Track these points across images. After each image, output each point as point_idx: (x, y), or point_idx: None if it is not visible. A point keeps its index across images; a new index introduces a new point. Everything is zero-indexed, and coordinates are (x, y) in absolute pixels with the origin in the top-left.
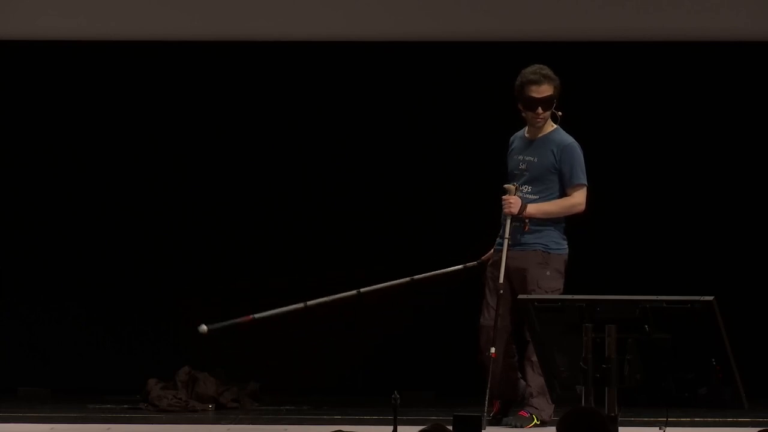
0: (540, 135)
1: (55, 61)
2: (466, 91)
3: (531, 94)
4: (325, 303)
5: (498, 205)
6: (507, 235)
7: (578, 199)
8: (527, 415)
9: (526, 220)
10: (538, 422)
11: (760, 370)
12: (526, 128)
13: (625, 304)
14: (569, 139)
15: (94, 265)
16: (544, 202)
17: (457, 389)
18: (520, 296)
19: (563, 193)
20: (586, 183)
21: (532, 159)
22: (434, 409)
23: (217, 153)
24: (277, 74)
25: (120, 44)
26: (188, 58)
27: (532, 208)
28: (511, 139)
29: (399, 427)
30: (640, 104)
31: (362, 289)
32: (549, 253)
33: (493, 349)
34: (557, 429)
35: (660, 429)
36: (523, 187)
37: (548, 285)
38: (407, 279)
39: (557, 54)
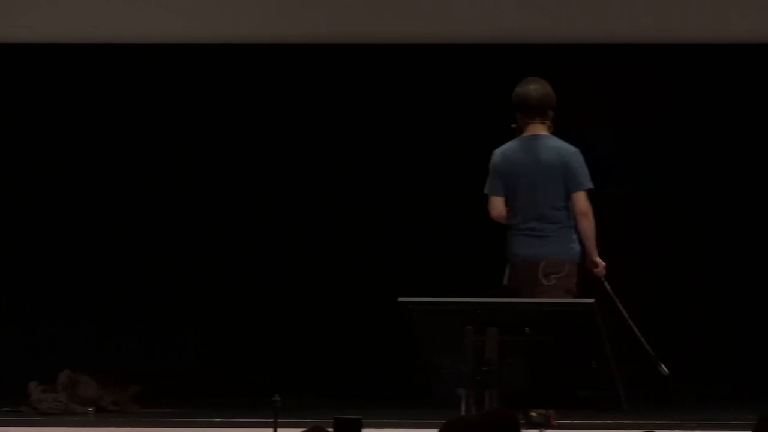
0: None
1: (55, 64)
2: (466, 92)
3: None
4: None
5: None
6: None
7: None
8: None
9: None
10: None
11: (760, 370)
12: None
13: (506, 307)
14: None
15: None
16: None
17: (340, 392)
18: (400, 299)
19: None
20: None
21: None
22: (315, 411)
23: (216, 155)
24: (276, 77)
25: (120, 47)
26: (188, 61)
27: None
28: None
29: (279, 430)
30: (639, 104)
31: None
32: None
33: None
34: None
35: None
36: None
37: None
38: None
39: (557, 56)
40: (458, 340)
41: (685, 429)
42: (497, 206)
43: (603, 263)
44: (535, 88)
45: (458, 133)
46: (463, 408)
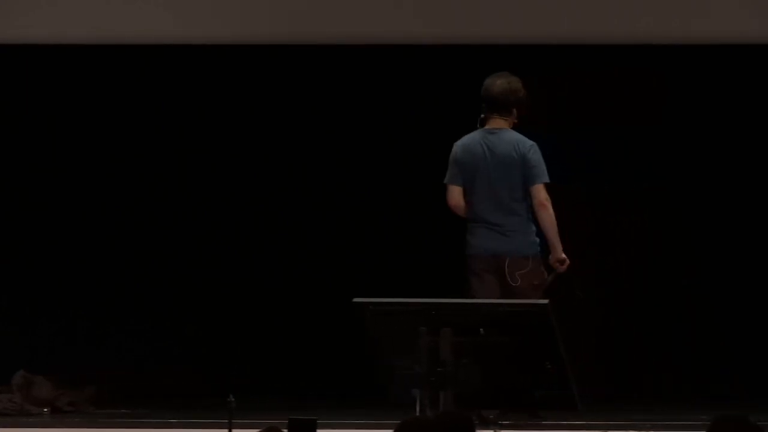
0: None
1: (55, 65)
2: (467, 94)
3: None
4: None
5: None
6: None
7: None
8: None
9: None
10: None
11: (752, 368)
12: None
13: (462, 308)
14: None
15: None
16: None
17: (295, 392)
18: (355, 299)
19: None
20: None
21: None
22: (270, 412)
23: (216, 156)
24: (275, 77)
25: (120, 48)
26: (189, 62)
27: None
28: None
29: (234, 431)
30: (639, 104)
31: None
32: None
33: None
34: None
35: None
36: None
37: None
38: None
39: (556, 57)
40: (413, 340)
41: (640, 429)
42: (455, 196)
43: (568, 260)
44: (500, 83)
45: (458, 134)
46: (417, 409)
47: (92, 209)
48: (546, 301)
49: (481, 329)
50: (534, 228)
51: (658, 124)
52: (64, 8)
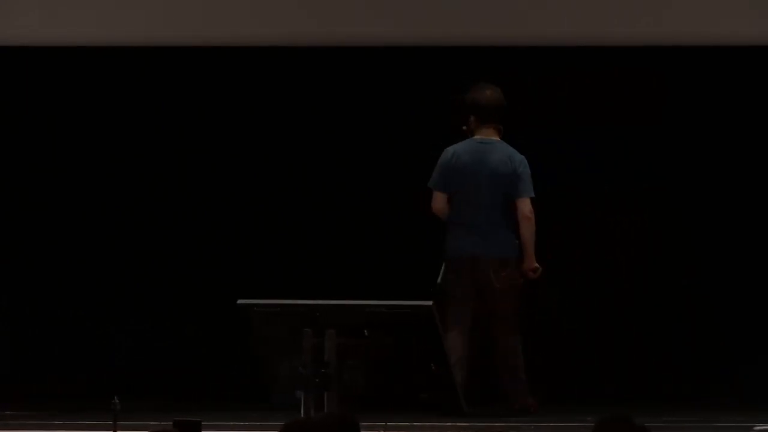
0: None
1: (55, 66)
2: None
3: None
4: None
5: None
6: None
7: None
8: None
9: None
10: None
11: (759, 371)
12: None
13: (345, 309)
14: None
15: None
16: None
17: (180, 394)
18: (239, 301)
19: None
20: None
21: None
22: (155, 414)
23: (215, 156)
24: (274, 79)
25: (119, 50)
26: (188, 64)
27: None
28: None
29: None
30: (638, 104)
31: None
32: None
33: None
34: None
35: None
36: None
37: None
38: None
39: (556, 57)
40: (298, 342)
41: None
42: (439, 201)
43: (540, 268)
44: (491, 93)
45: (456, 135)
46: (302, 410)
47: (92, 209)
48: (430, 303)
49: (366, 330)
50: (514, 234)
51: (658, 124)
52: (64, 9)
